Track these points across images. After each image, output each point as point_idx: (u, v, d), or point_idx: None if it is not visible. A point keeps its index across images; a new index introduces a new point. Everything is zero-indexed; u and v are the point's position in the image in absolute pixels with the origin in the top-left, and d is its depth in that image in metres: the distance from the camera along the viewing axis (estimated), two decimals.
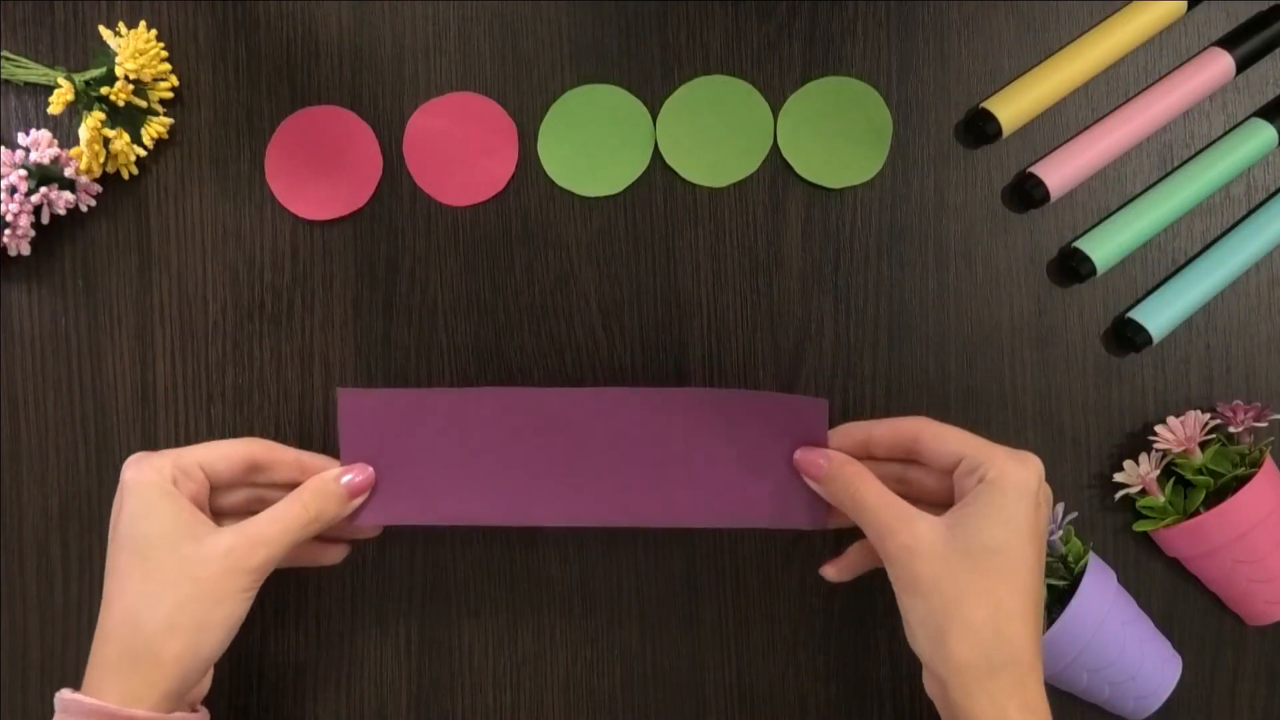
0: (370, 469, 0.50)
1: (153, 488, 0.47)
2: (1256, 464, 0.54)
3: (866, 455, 0.50)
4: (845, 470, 0.48)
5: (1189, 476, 0.55)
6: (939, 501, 0.49)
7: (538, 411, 0.50)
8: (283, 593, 0.57)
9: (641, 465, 0.50)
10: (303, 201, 0.57)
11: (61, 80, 0.53)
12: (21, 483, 0.57)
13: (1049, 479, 0.57)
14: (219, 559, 0.46)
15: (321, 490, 0.49)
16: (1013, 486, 0.45)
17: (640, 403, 0.50)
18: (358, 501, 0.50)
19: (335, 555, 0.54)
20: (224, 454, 0.49)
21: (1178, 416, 0.56)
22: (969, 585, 0.44)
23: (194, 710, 0.49)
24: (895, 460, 0.50)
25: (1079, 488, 0.58)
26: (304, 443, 0.57)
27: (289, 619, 0.58)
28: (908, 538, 0.45)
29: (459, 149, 0.57)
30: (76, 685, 0.57)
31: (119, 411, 0.57)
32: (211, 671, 0.50)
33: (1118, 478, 0.56)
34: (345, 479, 0.50)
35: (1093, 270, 0.56)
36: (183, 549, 0.46)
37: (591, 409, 0.50)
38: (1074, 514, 0.56)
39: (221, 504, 0.51)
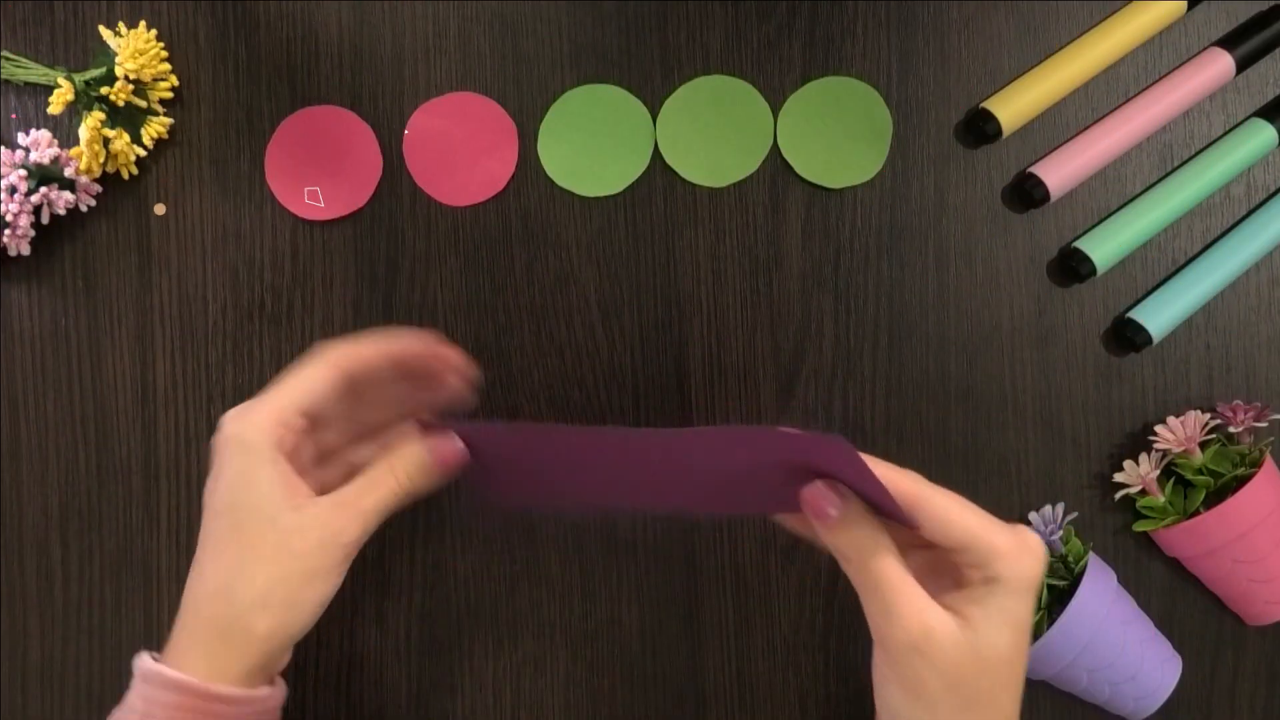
0: (459, 445, 0.47)
1: (255, 453, 0.45)
2: (1256, 464, 0.54)
3: None
4: (859, 530, 0.42)
5: (1189, 476, 0.55)
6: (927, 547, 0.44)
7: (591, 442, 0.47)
8: None
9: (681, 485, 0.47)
10: (303, 201, 0.57)
11: (61, 80, 0.53)
12: (21, 483, 0.57)
13: (1049, 479, 0.57)
14: (316, 530, 0.44)
15: (414, 461, 0.46)
16: (1023, 588, 0.41)
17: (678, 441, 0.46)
18: (448, 473, 0.47)
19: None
20: (318, 388, 0.46)
21: (1178, 416, 0.56)
22: (979, 698, 0.41)
23: (272, 684, 0.47)
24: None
25: (1079, 488, 0.58)
26: None
27: None
28: (919, 636, 0.41)
29: (459, 149, 0.57)
30: (76, 686, 0.57)
31: (119, 411, 0.57)
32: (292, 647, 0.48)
33: (1118, 478, 0.56)
34: (433, 448, 0.46)
35: (1093, 270, 0.56)
36: (280, 520, 0.44)
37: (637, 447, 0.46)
38: (1074, 514, 0.56)
39: (326, 441, 0.49)
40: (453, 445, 0.47)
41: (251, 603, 0.44)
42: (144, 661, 0.45)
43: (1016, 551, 0.41)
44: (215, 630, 0.44)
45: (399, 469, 0.46)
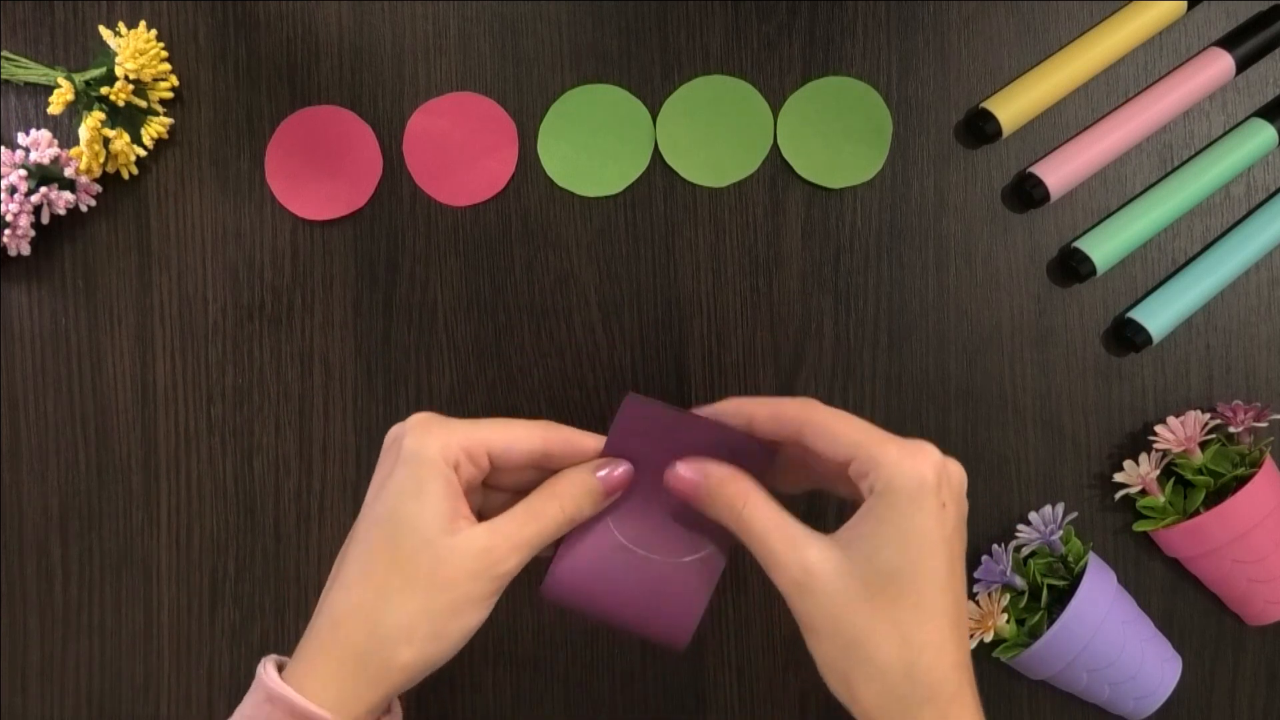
0: (629, 465, 0.45)
1: (431, 468, 0.42)
2: (1256, 464, 0.54)
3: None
4: (726, 490, 0.43)
5: (1189, 476, 0.55)
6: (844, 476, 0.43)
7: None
8: (282, 590, 0.57)
9: None
10: (303, 201, 0.57)
11: (61, 80, 0.53)
12: (21, 483, 0.57)
13: (1049, 479, 0.57)
14: (470, 560, 0.42)
15: (581, 487, 0.44)
16: (905, 494, 0.39)
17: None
18: (611, 499, 0.45)
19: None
20: (518, 441, 0.44)
21: (1178, 416, 0.56)
22: (870, 621, 0.39)
23: (389, 711, 0.44)
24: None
25: (1079, 488, 0.58)
26: (303, 445, 0.57)
27: (289, 621, 0.57)
28: (799, 572, 0.40)
29: (459, 149, 0.57)
30: (76, 686, 0.57)
31: (119, 411, 0.57)
32: None
33: (1118, 478, 0.56)
34: (602, 473, 0.44)
35: (1093, 270, 0.56)
36: (437, 545, 0.41)
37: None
38: (1074, 514, 0.56)
39: (500, 482, 0.46)
40: (624, 468, 0.45)
41: (396, 634, 0.41)
42: (271, 679, 0.41)
43: (897, 458, 0.39)
44: (353, 655, 0.42)
45: (565, 496, 0.44)
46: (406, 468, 0.42)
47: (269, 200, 0.57)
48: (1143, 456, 0.56)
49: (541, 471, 0.45)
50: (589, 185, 0.57)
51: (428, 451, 0.42)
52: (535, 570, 0.57)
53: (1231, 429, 0.56)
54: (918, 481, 0.39)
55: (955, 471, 0.41)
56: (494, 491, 0.46)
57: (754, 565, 0.57)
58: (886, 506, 0.39)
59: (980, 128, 0.56)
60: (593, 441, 0.45)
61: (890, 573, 0.39)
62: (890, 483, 0.39)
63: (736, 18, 0.57)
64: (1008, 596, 0.55)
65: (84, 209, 0.56)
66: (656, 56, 0.57)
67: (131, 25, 0.55)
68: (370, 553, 0.42)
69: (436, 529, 0.41)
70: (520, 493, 0.45)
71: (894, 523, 0.39)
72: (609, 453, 0.45)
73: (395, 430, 0.44)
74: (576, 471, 0.45)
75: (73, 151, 0.54)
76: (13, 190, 0.53)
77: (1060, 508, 0.56)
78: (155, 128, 0.55)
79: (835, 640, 0.40)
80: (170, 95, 0.56)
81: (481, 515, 0.44)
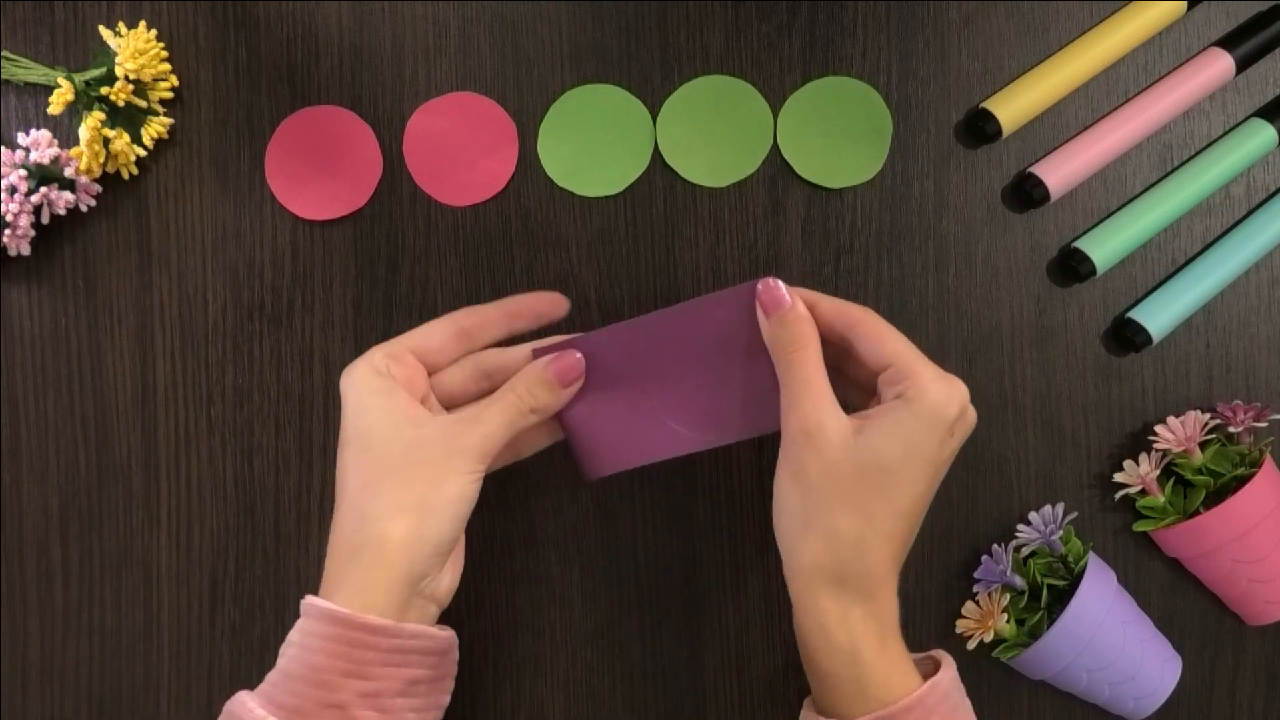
0: (579, 356, 0.48)
1: (363, 383, 0.47)
2: (1256, 464, 0.54)
3: None
4: (798, 327, 0.45)
5: (1189, 476, 0.55)
6: (867, 391, 0.47)
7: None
8: (282, 590, 0.57)
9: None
10: (303, 201, 0.57)
11: (61, 80, 0.53)
12: (21, 483, 0.57)
13: (1049, 479, 0.57)
14: (439, 441, 0.46)
15: (533, 377, 0.48)
16: (928, 412, 0.43)
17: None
18: (570, 390, 0.49)
19: (539, 440, 0.51)
20: (430, 329, 0.49)
21: (1178, 416, 0.56)
22: (848, 494, 0.43)
23: (437, 622, 0.47)
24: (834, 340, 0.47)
25: (1079, 488, 0.58)
26: (303, 445, 0.57)
27: (289, 621, 0.57)
28: (813, 424, 0.44)
29: (459, 149, 0.57)
30: (76, 686, 0.57)
31: (119, 411, 0.57)
32: (457, 572, 0.49)
33: (1118, 478, 0.57)
34: (548, 359, 0.48)
35: (1093, 270, 0.56)
36: (402, 435, 0.46)
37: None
38: (1074, 514, 0.56)
39: (447, 387, 0.50)
40: (570, 359, 0.48)
41: (382, 511, 0.45)
42: (306, 597, 0.46)
43: (933, 380, 0.44)
44: (353, 549, 0.45)
45: (519, 386, 0.48)
46: (348, 396, 0.47)
47: (269, 200, 0.57)
48: (1143, 456, 0.56)
49: (489, 363, 0.50)
50: (589, 185, 0.57)
51: (356, 373, 0.47)
52: (536, 575, 0.57)
53: (1231, 429, 0.56)
54: (943, 406, 0.44)
55: (972, 416, 0.46)
56: (457, 402, 0.50)
57: (753, 566, 0.57)
58: (909, 415, 0.43)
59: (980, 128, 0.56)
60: (498, 312, 0.50)
61: (885, 467, 0.43)
62: (920, 397, 0.43)
63: (736, 18, 0.57)
64: (1008, 596, 0.55)
65: (84, 209, 0.56)
66: (656, 56, 0.57)
67: (131, 25, 0.55)
68: (349, 469, 0.47)
69: (397, 426, 0.46)
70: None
71: (908, 428, 0.43)
72: (598, 339, 0.49)
73: None
74: (531, 365, 0.49)
75: (73, 151, 0.54)
76: (13, 190, 0.53)
77: (1060, 508, 0.56)
78: (155, 128, 0.55)
79: (811, 495, 0.44)
80: (170, 95, 0.56)
81: None
